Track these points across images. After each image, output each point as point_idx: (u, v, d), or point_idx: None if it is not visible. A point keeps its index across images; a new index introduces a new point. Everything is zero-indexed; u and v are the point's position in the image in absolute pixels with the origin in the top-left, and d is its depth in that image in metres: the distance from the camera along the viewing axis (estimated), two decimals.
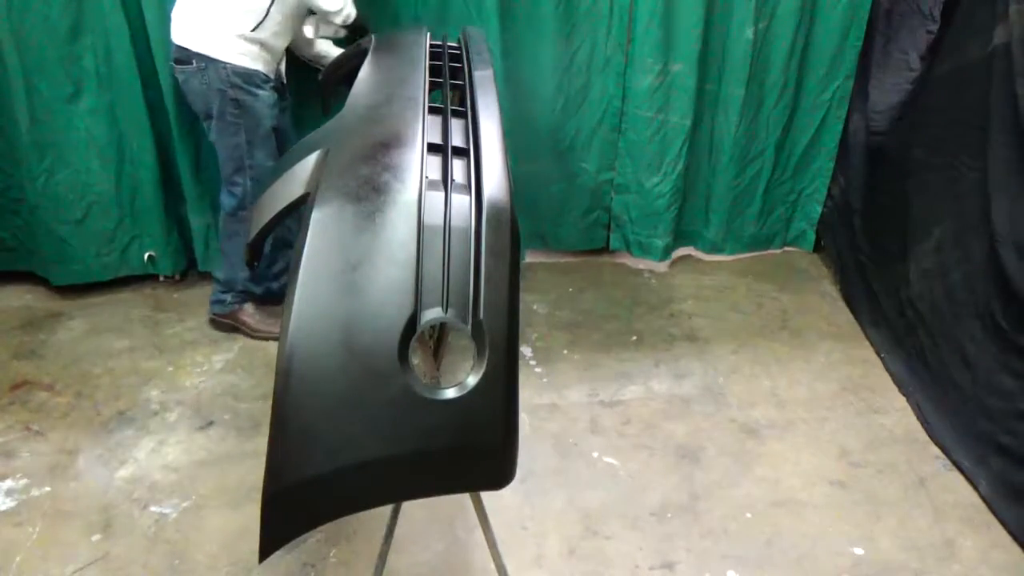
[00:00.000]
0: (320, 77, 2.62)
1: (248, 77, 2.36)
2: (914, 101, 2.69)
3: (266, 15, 2.30)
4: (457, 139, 1.52)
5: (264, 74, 2.40)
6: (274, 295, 2.82)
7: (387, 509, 1.63)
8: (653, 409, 2.49)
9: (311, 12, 2.48)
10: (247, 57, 2.35)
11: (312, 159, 1.46)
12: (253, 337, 2.73)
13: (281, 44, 2.45)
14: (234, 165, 2.47)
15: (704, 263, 3.34)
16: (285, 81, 2.61)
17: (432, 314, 1.25)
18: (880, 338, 2.76)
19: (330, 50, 2.71)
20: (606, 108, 3.01)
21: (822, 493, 2.20)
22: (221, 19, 2.30)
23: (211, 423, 2.36)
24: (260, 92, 2.39)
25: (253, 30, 2.30)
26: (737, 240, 3.34)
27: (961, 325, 2.29)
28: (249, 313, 2.74)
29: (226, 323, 2.76)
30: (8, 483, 2.13)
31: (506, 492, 1.40)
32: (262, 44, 2.36)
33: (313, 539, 1.97)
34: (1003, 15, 2.18)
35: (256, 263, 1.68)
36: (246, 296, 2.73)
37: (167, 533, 2.00)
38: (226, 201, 2.56)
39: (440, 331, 2.58)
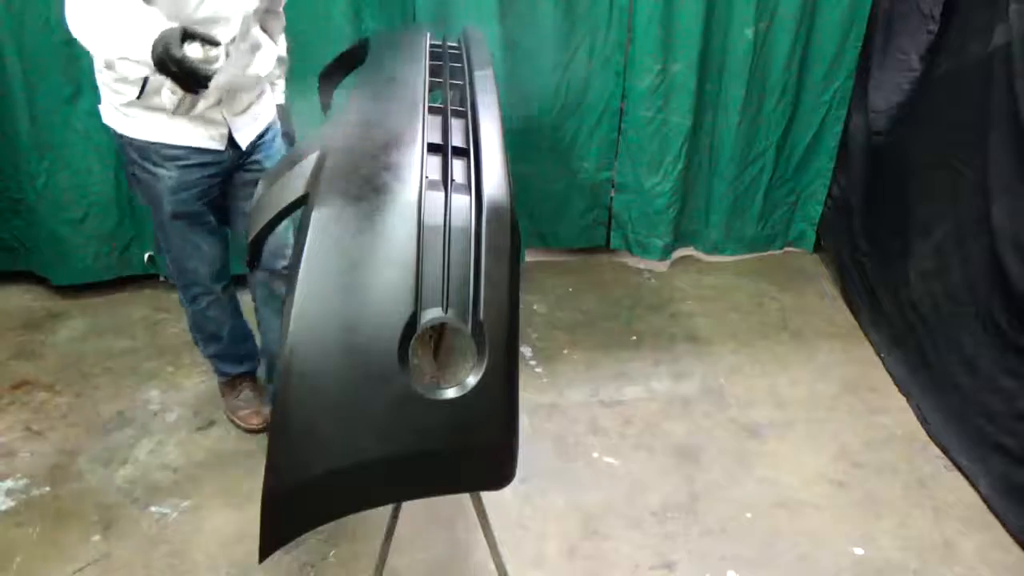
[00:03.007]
0: (320, 76, 2.62)
1: (143, 152, 1.88)
2: (914, 101, 2.69)
3: (145, 81, 1.77)
4: (457, 139, 1.52)
5: (173, 147, 1.87)
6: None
7: (387, 509, 1.63)
8: (653, 409, 2.49)
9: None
10: (143, 128, 1.86)
11: (312, 159, 1.46)
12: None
13: (208, 103, 1.83)
14: (158, 241, 2.12)
15: (704, 263, 3.34)
16: (243, 146, 1.97)
17: (432, 314, 1.25)
18: (880, 338, 2.76)
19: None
20: (606, 108, 3.00)
21: (822, 493, 2.20)
22: (107, 85, 1.86)
23: (211, 423, 2.36)
24: (158, 171, 1.89)
25: (139, 97, 1.81)
26: (738, 241, 3.34)
27: (961, 325, 2.29)
28: (226, 390, 2.39)
29: None
30: (8, 483, 2.12)
31: (506, 492, 1.40)
32: (167, 112, 1.76)
33: (313, 539, 1.97)
34: (1003, 15, 2.18)
35: (256, 264, 1.67)
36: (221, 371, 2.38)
37: (167, 533, 2.00)
38: None
39: (440, 331, 2.59)
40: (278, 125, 2.12)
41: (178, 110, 1.68)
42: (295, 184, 1.43)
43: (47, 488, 2.12)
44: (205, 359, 2.38)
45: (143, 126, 1.85)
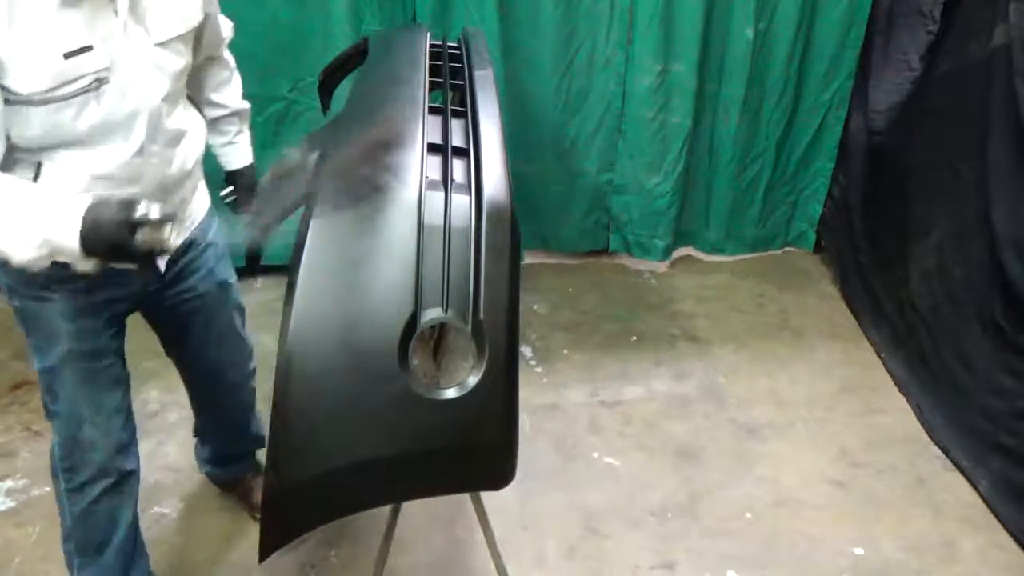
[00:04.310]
0: (319, 77, 2.62)
1: (28, 275, 1.35)
2: (914, 101, 2.69)
3: (37, 173, 1.28)
4: (457, 139, 1.52)
5: (65, 266, 1.28)
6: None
7: (387, 509, 1.63)
8: (653, 409, 2.49)
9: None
10: None
11: (312, 159, 1.46)
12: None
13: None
14: (45, 402, 1.57)
15: (704, 263, 3.34)
16: (176, 259, 1.55)
17: (432, 314, 1.25)
18: (880, 338, 2.76)
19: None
20: (606, 109, 3.00)
21: (822, 493, 2.20)
22: None
23: None
24: (48, 295, 1.42)
25: None
26: (738, 241, 3.34)
27: (961, 325, 2.29)
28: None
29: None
30: (8, 483, 2.12)
31: (506, 492, 1.40)
32: None
33: (313, 540, 1.97)
34: (1003, 15, 2.18)
35: (255, 267, 1.66)
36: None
37: (167, 533, 2.00)
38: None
39: (440, 331, 2.59)
40: (212, 226, 1.62)
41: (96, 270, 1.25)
42: (295, 184, 1.43)
43: (47, 488, 2.11)
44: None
45: None
